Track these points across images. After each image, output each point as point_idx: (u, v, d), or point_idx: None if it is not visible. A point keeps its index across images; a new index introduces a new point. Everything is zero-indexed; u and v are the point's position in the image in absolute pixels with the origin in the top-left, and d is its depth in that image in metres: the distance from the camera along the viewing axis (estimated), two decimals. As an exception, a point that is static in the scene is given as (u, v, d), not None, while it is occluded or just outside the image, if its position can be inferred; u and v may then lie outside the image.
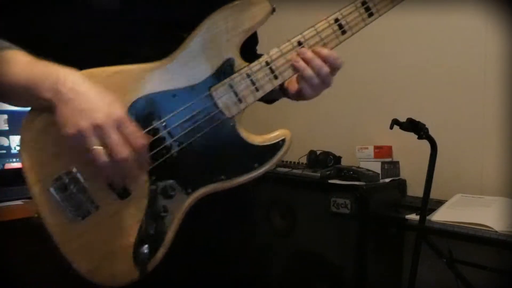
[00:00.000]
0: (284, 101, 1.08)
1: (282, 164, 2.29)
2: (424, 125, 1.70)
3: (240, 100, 0.86)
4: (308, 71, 0.88)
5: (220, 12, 0.84)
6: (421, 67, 2.24)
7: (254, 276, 1.03)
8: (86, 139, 0.72)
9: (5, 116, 2.02)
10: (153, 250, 0.80)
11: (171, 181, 0.83)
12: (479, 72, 2.04)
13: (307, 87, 0.91)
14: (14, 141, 2.04)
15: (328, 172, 2.14)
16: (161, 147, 0.82)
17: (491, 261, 1.80)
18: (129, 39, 0.84)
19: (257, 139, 0.87)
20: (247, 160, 0.86)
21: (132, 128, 0.74)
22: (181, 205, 0.83)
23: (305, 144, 2.30)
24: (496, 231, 1.61)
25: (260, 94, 0.87)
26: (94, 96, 0.74)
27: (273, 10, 0.87)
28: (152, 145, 0.81)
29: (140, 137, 0.75)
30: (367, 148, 2.26)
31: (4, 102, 0.84)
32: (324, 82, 0.90)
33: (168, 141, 0.82)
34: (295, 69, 0.88)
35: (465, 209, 1.81)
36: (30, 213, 1.65)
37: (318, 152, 2.29)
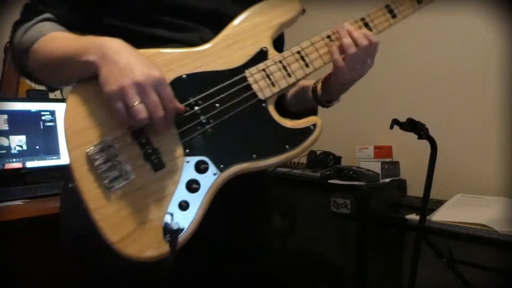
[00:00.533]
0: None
1: (282, 164, 2.29)
2: (424, 125, 1.69)
3: (273, 84, 0.90)
4: (348, 40, 0.92)
5: (259, 5, 0.93)
6: (421, 67, 2.24)
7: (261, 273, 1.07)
8: (127, 96, 0.76)
9: (5, 116, 2.02)
10: (183, 225, 0.81)
11: (204, 156, 0.85)
12: (479, 72, 2.04)
13: (345, 68, 0.93)
14: (14, 141, 2.04)
15: (328, 172, 2.14)
16: (195, 122, 0.85)
17: (491, 261, 1.80)
18: (179, 26, 0.90)
19: (289, 123, 0.90)
20: (278, 141, 0.88)
21: (169, 91, 0.79)
22: (213, 181, 0.85)
23: (305, 144, 2.30)
24: (496, 231, 1.60)
25: (292, 79, 0.92)
26: (136, 58, 0.79)
27: (304, 10, 0.96)
28: (187, 120, 0.85)
29: (174, 101, 0.80)
30: (367, 148, 2.26)
31: (51, 77, 0.89)
32: (367, 55, 0.94)
33: (202, 117, 0.86)
34: (338, 40, 0.94)
35: (465, 209, 1.81)
36: (30, 213, 1.65)
37: (318, 152, 2.29)
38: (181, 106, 0.83)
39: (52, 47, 0.85)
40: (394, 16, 1.01)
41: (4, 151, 2.01)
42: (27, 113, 2.10)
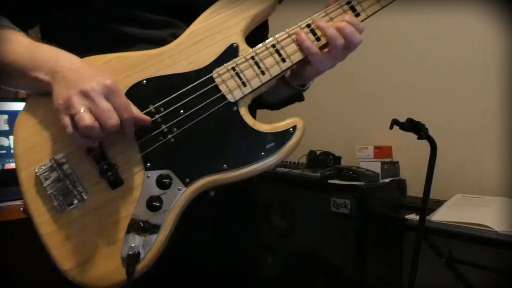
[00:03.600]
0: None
1: (282, 164, 2.29)
2: (424, 125, 1.69)
3: (244, 84, 0.80)
4: (332, 32, 0.82)
5: None
6: (421, 67, 2.24)
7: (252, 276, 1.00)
8: (72, 105, 0.69)
9: (5, 116, 2.02)
10: (144, 249, 0.73)
11: (167, 170, 0.76)
12: (479, 72, 2.04)
13: (327, 59, 0.84)
14: (14, 141, 2.04)
15: (328, 172, 2.14)
16: (156, 132, 0.77)
17: (491, 261, 1.80)
18: (141, 22, 0.82)
19: (265, 127, 0.80)
20: (252, 148, 0.78)
21: (123, 99, 0.71)
22: (178, 198, 0.76)
23: (305, 144, 2.29)
24: (496, 231, 1.60)
25: (266, 77, 0.81)
26: (87, 70, 0.73)
27: (280, 0, 0.85)
28: (146, 130, 0.76)
29: (130, 110, 0.71)
30: (367, 148, 2.26)
31: (2, 83, 0.82)
32: (350, 42, 0.83)
33: (164, 126, 0.77)
34: (319, 28, 0.83)
35: (465, 209, 1.81)
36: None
37: (318, 152, 2.29)
38: (142, 116, 0.74)
39: (0, 49, 0.76)
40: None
41: (4, 151, 2.01)
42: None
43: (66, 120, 0.70)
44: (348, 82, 2.39)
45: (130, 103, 0.73)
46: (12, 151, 2.03)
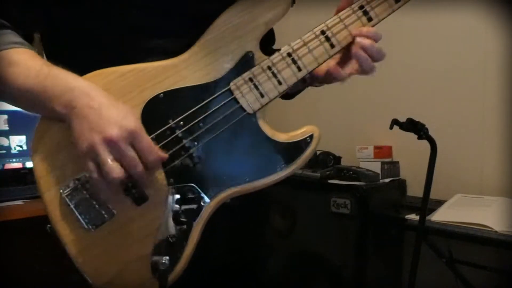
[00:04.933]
0: (283, 101, 1.07)
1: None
2: (424, 125, 1.69)
3: (262, 95, 0.80)
4: (367, 41, 0.82)
5: (237, 5, 0.80)
6: (421, 67, 2.24)
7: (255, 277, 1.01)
8: (99, 155, 0.69)
9: (5, 116, 2.02)
10: (173, 261, 0.73)
11: (190, 184, 0.77)
12: (479, 72, 2.04)
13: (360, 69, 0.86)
14: (14, 141, 2.04)
15: (328, 172, 2.14)
16: (178, 147, 0.77)
17: (491, 261, 1.80)
18: (155, 31, 0.80)
19: (282, 136, 0.81)
20: (272, 159, 0.80)
21: (146, 142, 0.71)
22: (202, 211, 0.77)
23: (305, 144, 2.30)
24: (496, 231, 1.60)
25: (283, 87, 0.81)
26: (108, 109, 0.71)
27: (293, 1, 0.84)
28: (168, 145, 0.77)
29: (154, 152, 0.72)
30: (367, 148, 2.26)
31: (9, 103, 0.81)
32: (376, 60, 0.84)
33: (186, 141, 0.77)
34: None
35: (465, 209, 1.81)
36: (30, 213, 1.65)
37: (318, 152, 2.29)
38: (163, 155, 0.74)
39: (9, 74, 0.73)
40: (397, 1, 0.84)
41: (4, 151, 2.01)
42: (27, 113, 2.09)
43: (92, 166, 0.70)
44: (348, 82, 2.39)
45: (153, 145, 0.73)
46: (12, 151, 2.04)
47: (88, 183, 0.74)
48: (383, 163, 2.21)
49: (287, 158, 0.80)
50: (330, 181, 2.10)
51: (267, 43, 0.85)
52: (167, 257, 0.71)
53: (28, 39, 0.79)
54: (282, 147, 0.80)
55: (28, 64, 0.74)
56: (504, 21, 1.92)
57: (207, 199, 0.77)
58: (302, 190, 2.14)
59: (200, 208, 0.77)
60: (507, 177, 1.94)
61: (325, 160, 2.25)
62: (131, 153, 0.70)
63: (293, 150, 0.80)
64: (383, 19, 0.86)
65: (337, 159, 2.30)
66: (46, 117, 0.76)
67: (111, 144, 0.69)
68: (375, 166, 2.18)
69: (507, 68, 1.94)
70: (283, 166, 0.80)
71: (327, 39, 0.83)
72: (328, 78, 0.90)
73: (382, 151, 2.26)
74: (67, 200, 0.74)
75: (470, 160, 2.08)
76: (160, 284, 0.71)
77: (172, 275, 0.74)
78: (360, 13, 0.84)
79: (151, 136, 0.75)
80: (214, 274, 0.88)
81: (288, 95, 1.01)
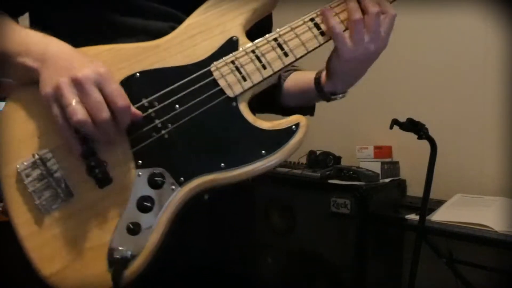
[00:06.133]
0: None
1: (282, 164, 2.28)
2: (424, 125, 1.69)
3: (244, 78, 0.75)
4: (353, 4, 0.76)
5: None
6: (421, 67, 2.24)
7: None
8: (63, 96, 0.65)
9: None
10: (133, 253, 0.67)
11: (160, 168, 0.70)
12: (479, 72, 2.04)
13: (347, 39, 0.77)
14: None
15: (328, 172, 2.14)
16: (149, 127, 0.72)
17: (491, 261, 1.80)
18: (139, 12, 0.79)
19: (266, 124, 0.75)
20: (252, 146, 0.73)
21: (115, 86, 0.67)
22: (171, 198, 0.70)
23: (305, 144, 2.28)
24: (496, 231, 1.60)
25: (268, 72, 0.76)
26: (79, 57, 0.69)
27: None
28: (139, 125, 0.71)
29: (124, 98, 0.67)
30: (367, 148, 2.26)
31: None
32: (377, 25, 0.76)
33: (158, 121, 0.72)
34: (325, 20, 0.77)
35: (465, 209, 1.81)
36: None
37: (318, 152, 2.29)
38: (134, 109, 0.70)
39: None
40: None
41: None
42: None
43: (56, 110, 0.66)
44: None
45: (124, 93, 0.69)
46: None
47: (49, 161, 0.69)
48: (383, 163, 2.21)
49: (269, 146, 0.73)
50: (330, 181, 2.10)
51: (263, 34, 0.81)
52: (127, 248, 0.66)
53: None
54: (264, 135, 0.74)
55: (8, 22, 0.74)
56: (504, 21, 1.92)
57: (177, 186, 0.70)
58: (302, 190, 2.14)
59: (168, 194, 0.70)
60: (507, 177, 1.94)
61: (325, 160, 2.25)
62: (97, 94, 0.65)
63: (276, 138, 0.74)
64: None
65: (337, 159, 2.30)
66: (15, 91, 0.74)
67: (77, 84, 0.65)
68: (375, 166, 2.19)
69: (507, 68, 1.94)
70: (264, 154, 0.73)
71: (316, 26, 0.80)
72: (334, 62, 0.83)
73: (382, 151, 2.26)
74: (23, 176, 0.69)
75: (470, 160, 2.08)
76: (113, 275, 0.65)
77: (132, 268, 0.67)
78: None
79: None
80: (194, 275, 0.83)
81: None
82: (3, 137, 0.71)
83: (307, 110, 0.99)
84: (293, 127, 0.74)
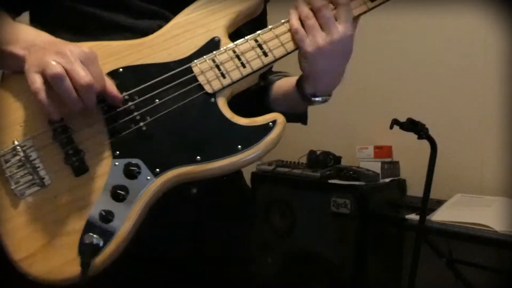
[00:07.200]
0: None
1: (282, 164, 2.29)
2: (424, 125, 1.69)
3: (223, 75, 0.77)
4: (304, 9, 0.79)
5: None
6: (421, 67, 2.24)
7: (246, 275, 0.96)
8: (45, 61, 0.66)
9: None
10: (104, 240, 0.67)
11: (136, 158, 0.72)
12: (479, 72, 2.04)
13: (306, 41, 0.79)
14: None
15: (328, 172, 2.14)
16: (127, 118, 0.74)
17: (491, 261, 1.80)
18: (126, 10, 0.80)
19: (243, 120, 0.77)
20: (229, 140, 0.74)
21: (98, 67, 0.69)
22: (145, 188, 0.71)
23: (305, 144, 2.30)
24: (496, 231, 1.60)
25: (247, 70, 0.79)
26: (67, 42, 0.71)
27: None
28: (118, 116, 0.74)
29: (104, 77, 0.70)
30: (367, 148, 2.26)
31: None
32: (327, 19, 0.78)
33: (136, 113, 0.74)
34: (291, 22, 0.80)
35: (465, 209, 1.81)
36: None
37: (318, 152, 2.29)
38: (115, 89, 0.72)
39: None
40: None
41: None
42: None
43: (34, 76, 0.67)
44: (348, 82, 2.38)
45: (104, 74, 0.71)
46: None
47: (29, 148, 0.71)
48: (383, 163, 2.21)
49: (246, 142, 0.74)
50: (330, 181, 2.09)
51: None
52: (99, 235, 0.67)
53: None
54: (241, 130, 0.75)
55: (3, 17, 0.76)
56: (504, 21, 1.92)
57: (152, 177, 0.72)
58: (302, 190, 2.14)
59: (143, 185, 0.71)
60: (507, 177, 1.94)
61: (325, 160, 2.25)
62: (80, 65, 0.67)
63: (253, 134, 0.75)
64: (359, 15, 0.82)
65: (337, 159, 2.30)
66: (2, 79, 0.76)
67: (61, 54, 0.67)
68: (375, 166, 2.19)
69: (507, 68, 1.94)
70: (239, 149, 0.74)
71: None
72: (302, 61, 0.83)
73: (382, 151, 2.26)
74: (2, 162, 0.71)
75: (470, 160, 2.08)
76: (82, 261, 0.65)
77: (103, 255, 0.67)
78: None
79: (102, 106, 0.73)
80: (178, 273, 0.83)
81: (296, 116, 0.96)
82: None
83: (297, 118, 0.98)
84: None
